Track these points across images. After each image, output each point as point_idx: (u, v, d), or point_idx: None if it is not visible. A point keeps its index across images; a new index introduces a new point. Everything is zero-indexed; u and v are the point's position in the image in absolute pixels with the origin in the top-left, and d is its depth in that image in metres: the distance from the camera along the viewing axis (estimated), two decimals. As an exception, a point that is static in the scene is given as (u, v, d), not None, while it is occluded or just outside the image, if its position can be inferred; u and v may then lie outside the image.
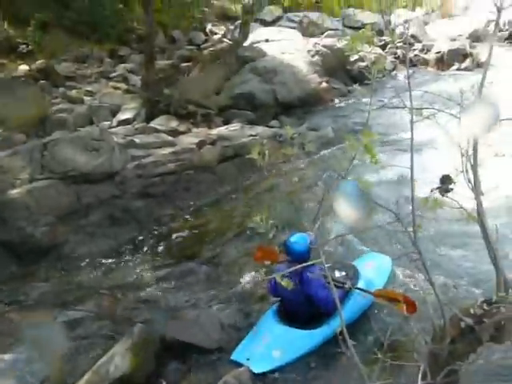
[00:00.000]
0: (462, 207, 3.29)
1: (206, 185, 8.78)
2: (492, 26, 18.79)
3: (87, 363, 4.57)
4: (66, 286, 6.20)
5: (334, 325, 4.58)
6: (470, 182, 3.21)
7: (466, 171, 3.19)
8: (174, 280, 6.16)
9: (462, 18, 20.52)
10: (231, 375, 4.02)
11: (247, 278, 5.89)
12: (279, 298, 4.94)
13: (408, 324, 3.38)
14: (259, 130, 10.67)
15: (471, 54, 16.36)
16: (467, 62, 16.12)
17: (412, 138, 3.04)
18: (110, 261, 6.88)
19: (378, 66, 3.22)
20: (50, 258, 6.84)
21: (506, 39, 18.47)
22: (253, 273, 5.94)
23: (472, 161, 3.21)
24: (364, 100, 13.28)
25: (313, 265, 4.30)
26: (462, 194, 3.20)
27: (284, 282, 3.01)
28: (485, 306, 3.17)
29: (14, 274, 6.64)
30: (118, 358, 4.44)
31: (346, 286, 4.80)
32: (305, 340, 4.59)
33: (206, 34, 18.18)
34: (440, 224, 5.36)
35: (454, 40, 17.71)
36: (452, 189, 3.27)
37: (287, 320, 4.73)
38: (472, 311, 3.18)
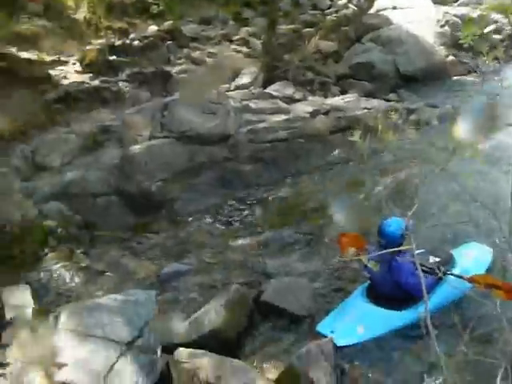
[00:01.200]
0: None
1: (316, 154, 8.85)
2: None
3: (186, 313, 4.97)
4: (173, 240, 6.69)
5: (421, 309, 4.58)
6: None
7: None
8: (272, 245, 6.41)
9: None
10: (315, 344, 4.19)
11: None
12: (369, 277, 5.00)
13: (501, 319, 3.29)
14: (375, 103, 10.46)
15: None
16: None
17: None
18: (216, 220, 7.28)
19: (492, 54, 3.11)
20: (163, 212, 7.38)
21: None
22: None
23: None
24: (494, 78, 12.49)
25: (405, 252, 4.31)
26: None
27: (371, 264, 3.09)
28: None
29: (132, 224, 7.26)
30: (213, 313, 4.79)
31: (438, 271, 4.73)
32: (389, 320, 4.64)
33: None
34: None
35: None
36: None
37: (375, 299, 4.78)
38: None
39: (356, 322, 4.57)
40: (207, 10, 15.18)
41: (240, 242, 6.60)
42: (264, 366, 4.30)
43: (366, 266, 4.89)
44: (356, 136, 3.05)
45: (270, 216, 7.36)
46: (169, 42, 12.67)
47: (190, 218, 7.26)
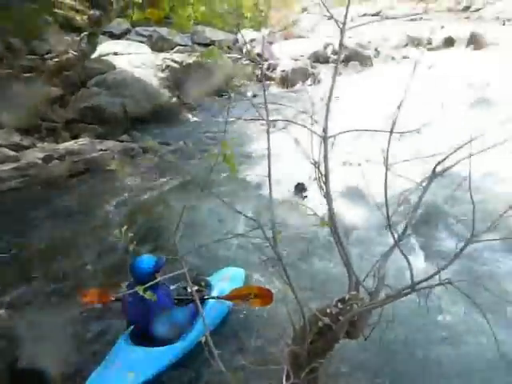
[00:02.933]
0: (315, 214, 3.49)
1: (57, 201, 8.30)
2: (329, 49, 20.37)
3: None
4: None
5: (190, 338, 4.61)
6: (322, 189, 3.40)
7: (319, 179, 3.37)
8: (21, 304, 5.70)
9: (303, 40, 22.13)
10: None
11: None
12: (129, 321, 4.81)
13: (270, 328, 3.47)
14: (110, 144, 10.35)
15: (313, 73, 17.56)
16: (309, 81, 17.26)
17: (269, 148, 3.16)
18: None
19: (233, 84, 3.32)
20: None
21: (342, 61, 20.03)
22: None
23: (323, 170, 3.39)
24: (215, 114, 13.58)
25: (158, 288, 4.30)
26: (315, 202, 3.39)
27: (148, 295, 2.97)
28: (339, 305, 3.37)
29: None
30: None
31: (195, 296, 4.79)
32: (160, 357, 4.48)
33: (50, 45, 17.18)
34: (295, 230, 5.62)
35: (297, 60, 18.84)
36: (306, 196, 3.47)
37: (140, 341, 4.57)
38: (328, 310, 3.37)
39: (125, 369, 4.27)
40: None
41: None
42: None
43: (124, 311, 4.72)
44: (114, 165, 2.97)
45: (10, 271, 6.56)
46: None
47: None
